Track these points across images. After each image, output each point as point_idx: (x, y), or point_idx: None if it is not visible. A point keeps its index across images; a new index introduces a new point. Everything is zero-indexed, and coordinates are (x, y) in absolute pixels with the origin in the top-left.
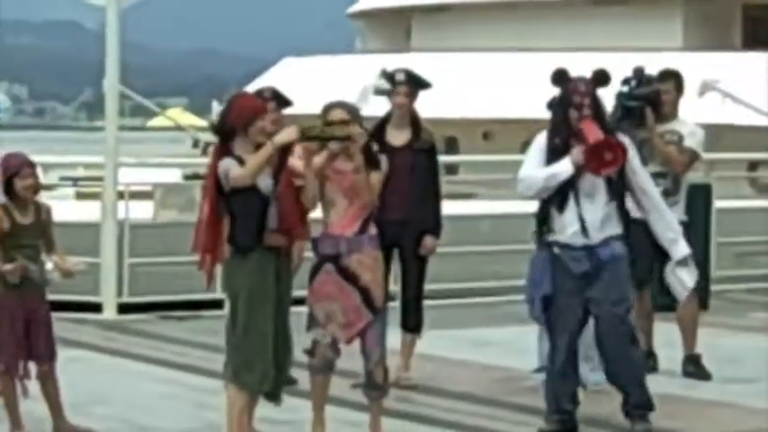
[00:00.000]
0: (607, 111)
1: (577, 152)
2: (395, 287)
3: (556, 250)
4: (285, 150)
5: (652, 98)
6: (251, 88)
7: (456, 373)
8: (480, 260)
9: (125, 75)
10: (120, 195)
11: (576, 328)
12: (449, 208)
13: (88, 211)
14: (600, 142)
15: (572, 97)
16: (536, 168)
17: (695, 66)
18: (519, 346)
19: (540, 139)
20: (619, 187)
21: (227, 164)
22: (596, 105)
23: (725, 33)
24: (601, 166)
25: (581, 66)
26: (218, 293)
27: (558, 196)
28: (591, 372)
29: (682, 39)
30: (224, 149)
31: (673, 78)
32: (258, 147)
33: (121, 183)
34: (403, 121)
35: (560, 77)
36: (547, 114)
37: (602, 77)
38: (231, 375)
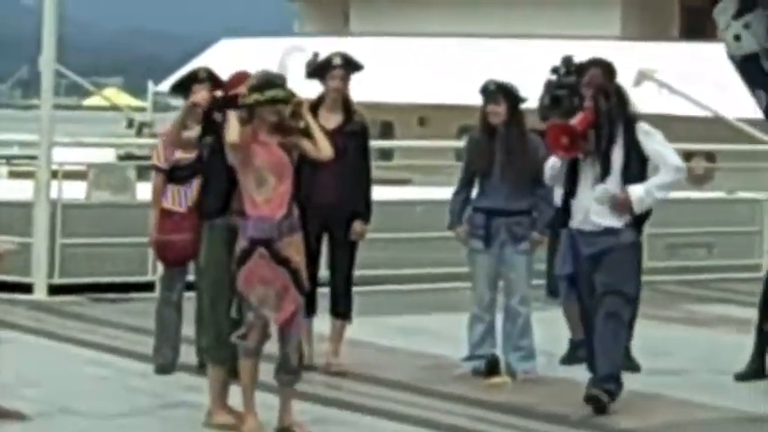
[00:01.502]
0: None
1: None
2: (325, 272)
3: (572, 231)
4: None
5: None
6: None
7: (386, 359)
8: (414, 246)
9: (62, 53)
10: (54, 175)
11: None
12: (384, 193)
13: (21, 190)
14: (554, 127)
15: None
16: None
17: (633, 56)
18: (449, 334)
19: None
20: (633, 173)
21: None
22: (598, 96)
23: (663, 24)
24: (558, 148)
25: (519, 53)
26: (150, 276)
27: (568, 184)
28: (520, 360)
29: (620, 28)
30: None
31: (601, 67)
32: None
33: (55, 162)
34: (336, 105)
35: (578, 70)
36: (479, 101)
37: (609, 69)
38: (205, 354)
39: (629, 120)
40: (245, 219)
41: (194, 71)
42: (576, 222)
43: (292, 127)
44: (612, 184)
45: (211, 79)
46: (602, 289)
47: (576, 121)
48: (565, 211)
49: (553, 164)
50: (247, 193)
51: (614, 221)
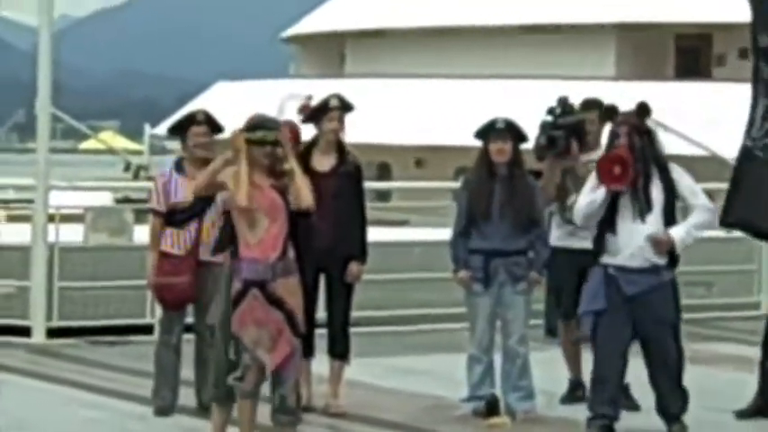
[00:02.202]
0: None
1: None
2: (323, 313)
3: (610, 271)
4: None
5: (576, 127)
6: (184, 112)
7: (385, 400)
8: (412, 287)
9: (57, 97)
10: (51, 218)
11: (624, 345)
12: (381, 234)
13: (18, 234)
14: (607, 157)
15: (616, 129)
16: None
17: (628, 95)
18: (449, 375)
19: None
20: (667, 211)
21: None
22: (632, 135)
23: (658, 63)
24: (610, 180)
25: (514, 94)
26: (148, 318)
27: (607, 221)
28: (520, 400)
29: (614, 68)
30: None
31: (596, 108)
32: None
33: (52, 205)
34: (330, 147)
35: (609, 113)
36: (476, 142)
37: (643, 109)
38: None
39: (661, 158)
40: (239, 261)
41: (192, 113)
42: (620, 259)
43: (284, 171)
44: (653, 220)
45: (209, 122)
46: (656, 326)
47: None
48: (597, 248)
49: (592, 200)
50: (240, 235)
51: (660, 259)
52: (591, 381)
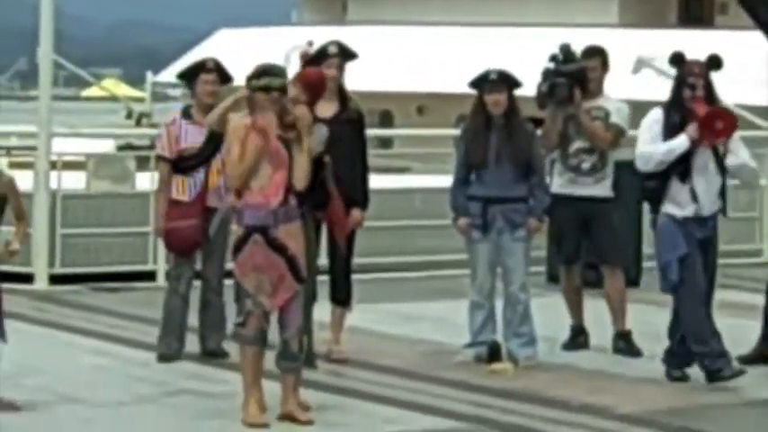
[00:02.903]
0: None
1: (693, 128)
2: (324, 260)
3: (680, 218)
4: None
5: (578, 75)
6: (186, 60)
7: (387, 346)
8: (413, 234)
9: (59, 44)
10: (53, 165)
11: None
12: (383, 182)
13: (20, 181)
14: (710, 113)
15: (687, 78)
16: (651, 144)
17: (631, 42)
18: (450, 321)
19: (653, 116)
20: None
21: None
22: (708, 87)
23: (660, 10)
24: (714, 135)
25: (516, 41)
26: (150, 265)
27: (678, 170)
28: (521, 347)
29: (617, 15)
30: None
31: (598, 55)
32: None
33: (54, 153)
34: (331, 94)
35: (677, 60)
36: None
37: (715, 61)
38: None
39: None
40: (241, 206)
41: (202, 61)
42: (695, 208)
43: (291, 122)
44: (720, 171)
45: (218, 70)
46: (709, 271)
47: (701, 109)
48: (656, 196)
49: (671, 149)
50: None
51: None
52: (691, 333)
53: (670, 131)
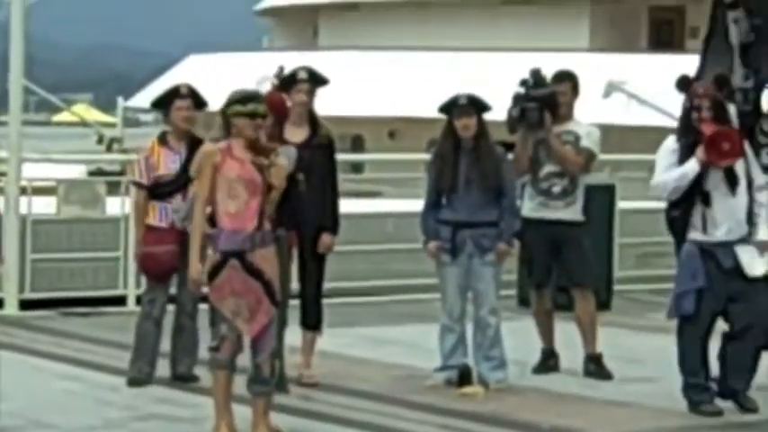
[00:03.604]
0: (730, 111)
1: (701, 150)
2: (296, 284)
3: (706, 246)
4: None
5: (549, 99)
6: (158, 85)
7: (358, 370)
8: (384, 258)
9: (30, 69)
10: (23, 190)
11: (710, 324)
12: (354, 206)
13: None
14: (715, 134)
15: (693, 101)
16: (666, 172)
17: (602, 67)
18: (421, 345)
19: (668, 144)
20: (748, 182)
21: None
22: (716, 107)
23: (631, 35)
24: (720, 156)
25: (487, 66)
26: (121, 290)
27: (700, 195)
28: (492, 370)
29: (588, 40)
30: None
31: (569, 79)
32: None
33: (25, 178)
34: (301, 119)
35: (683, 83)
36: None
37: (721, 81)
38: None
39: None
40: (217, 232)
41: (176, 87)
42: (718, 234)
43: (266, 148)
44: (742, 191)
45: (193, 95)
46: (747, 287)
47: (707, 129)
48: (681, 225)
49: (683, 174)
50: (220, 206)
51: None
52: (685, 364)
53: (683, 157)
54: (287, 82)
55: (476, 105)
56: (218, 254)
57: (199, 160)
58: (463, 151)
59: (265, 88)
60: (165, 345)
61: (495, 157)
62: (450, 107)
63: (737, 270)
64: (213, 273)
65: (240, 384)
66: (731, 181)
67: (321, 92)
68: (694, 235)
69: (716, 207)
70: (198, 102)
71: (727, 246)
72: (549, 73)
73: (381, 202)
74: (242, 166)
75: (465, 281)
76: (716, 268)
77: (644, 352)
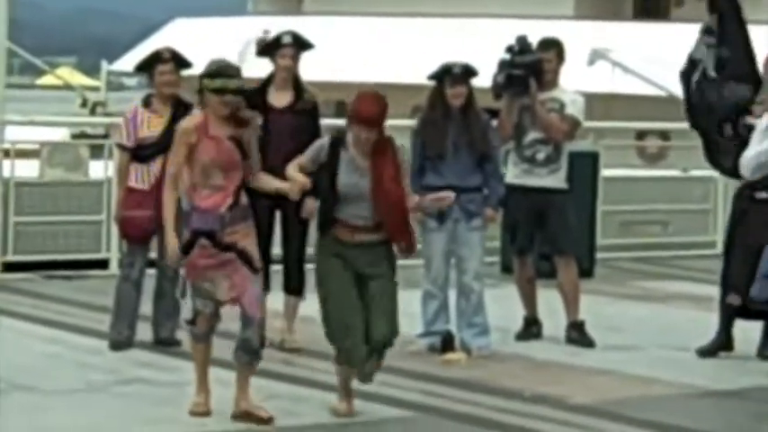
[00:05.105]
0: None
1: None
2: (278, 250)
3: None
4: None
5: (534, 66)
6: (142, 49)
7: None
8: None
9: (14, 32)
10: (6, 153)
11: None
12: None
13: None
14: None
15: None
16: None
17: (586, 35)
18: (403, 311)
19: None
20: None
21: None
22: None
23: (617, 3)
24: None
25: (472, 32)
26: (104, 253)
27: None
28: (475, 337)
29: (573, 7)
30: None
31: (554, 47)
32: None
33: (8, 140)
34: (286, 84)
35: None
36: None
37: None
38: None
39: None
40: (190, 210)
41: (158, 51)
42: None
43: (245, 119)
44: None
45: (175, 58)
46: None
47: None
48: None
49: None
50: (193, 184)
51: None
52: None
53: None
54: (271, 46)
55: (469, 74)
56: (188, 233)
57: (176, 136)
58: (452, 118)
59: (250, 51)
60: (148, 309)
61: (482, 124)
62: (443, 75)
63: None
64: (184, 251)
65: (222, 348)
66: None
67: (306, 57)
68: None
69: None
70: (181, 63)
71: None
72: (534, 40)
73: None
74: (218, 146)
75: (450, 246)
76: None
77: (626, 320)
